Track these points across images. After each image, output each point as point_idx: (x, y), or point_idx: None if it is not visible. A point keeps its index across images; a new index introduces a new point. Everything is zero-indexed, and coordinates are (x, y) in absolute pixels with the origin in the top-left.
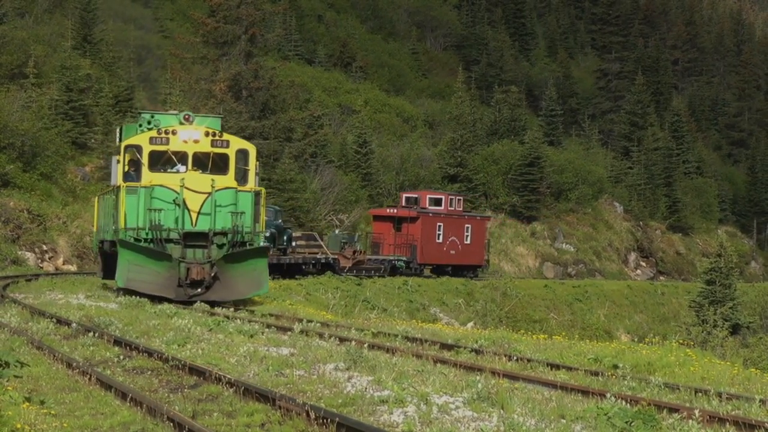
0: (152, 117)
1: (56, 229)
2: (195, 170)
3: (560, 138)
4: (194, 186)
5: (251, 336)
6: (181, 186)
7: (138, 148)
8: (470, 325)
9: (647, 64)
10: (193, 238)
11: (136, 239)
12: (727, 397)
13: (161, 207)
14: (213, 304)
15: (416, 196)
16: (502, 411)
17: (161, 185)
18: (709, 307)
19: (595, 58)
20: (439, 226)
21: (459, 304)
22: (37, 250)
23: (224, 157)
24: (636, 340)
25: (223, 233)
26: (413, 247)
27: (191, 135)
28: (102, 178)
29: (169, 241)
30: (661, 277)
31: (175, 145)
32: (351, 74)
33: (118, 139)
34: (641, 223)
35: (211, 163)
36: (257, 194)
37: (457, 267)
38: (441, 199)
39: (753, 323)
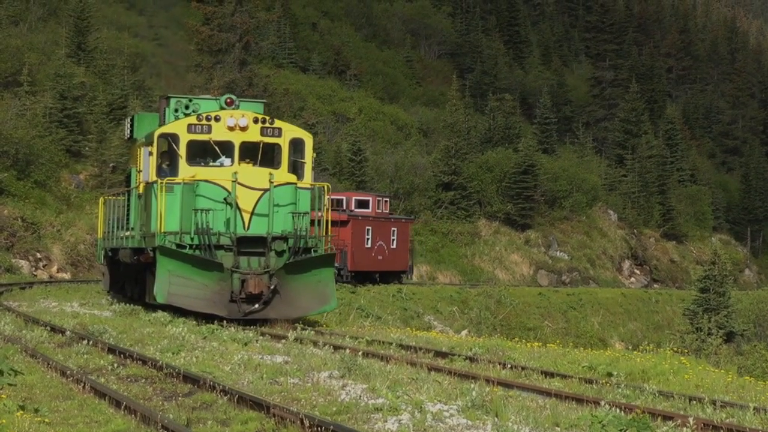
0: (190, 101)
1: (50, 237)
2: (248, 162)
3: (554, 146)
4: (248, 181)
5: (245, 344)
6: (233, 181)
7: (174, 138)
8: (464, 333)
9: (641, 72)
10: (248, 244)
11: (178, 245)
12: (721, 405)
13: (209, 207)
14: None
15: (341, 197)
16: (496, 419)
17: (207, 181)
18: (703, 314)
19: (589, 66)
20: (368, 230)
21: (453, 312)
22: (31, 258)
23: (276, 148)
24: (630, 348)
25: (283, 238)
26: (343, 253)
27: (238, 121)
28: (96, 186)
29: (218, 247)
30: (655, 285)
31: (219, 133)
32: (345, 82)
33: (128, 132)
34: (635, 231)
35: (261, 155)
36: (320, 191)
37: (384, 273)
38: (368, 201)
39: (747, 331)
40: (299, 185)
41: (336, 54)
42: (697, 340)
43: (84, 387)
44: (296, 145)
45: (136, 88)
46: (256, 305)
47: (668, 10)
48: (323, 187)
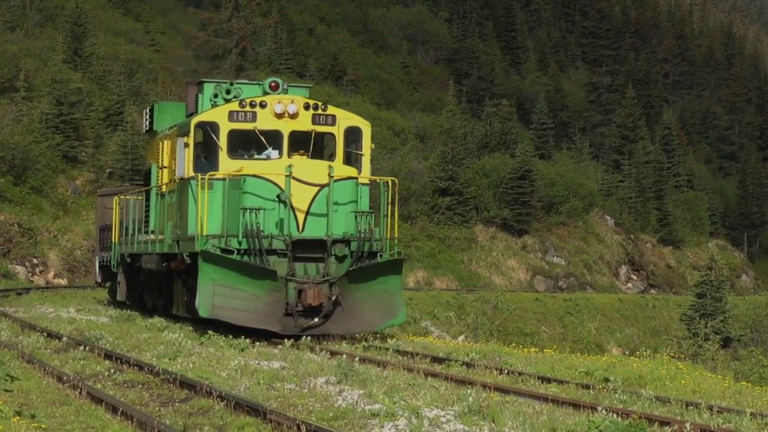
0: (232, 86)
1: (47, 242)
2: (302, 154)
3: (551, 151)
4: (303, 176)
5: (242, 349)
6: (287, 176)
7: (213, 127)
8: (461, 338)
9: (638, 78)
10: (303, 249)
11: (223, 250)
12: (718, 410)
13: (258, 206)
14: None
15: None
16: (493, 424)
17: (256, 176)
18: (700, 320)
19: (586, 71)
20: None
21: (450, 317)
22: (27, 263)
23: (329, 138)
24: (627, 353)
25: (345, 241)
26: None
27: (287, 108)
28: (92, 192)
29: (271, 252)
30: (652, 291)
31: (265, 121)
32: (342, 88)
33: (147, 124)
34: (632, 236)
35: (313, 146)
36: (385, 187)
37: None
38: None
39: (744, 336)
40: (361, 180)
41: (333, 59)
42: (694, 345)
43: (80, 393)
44: (352, 135)
45: (132, 94)
46: (316, 319)
47: (665, 16)
48: (388, 182)
